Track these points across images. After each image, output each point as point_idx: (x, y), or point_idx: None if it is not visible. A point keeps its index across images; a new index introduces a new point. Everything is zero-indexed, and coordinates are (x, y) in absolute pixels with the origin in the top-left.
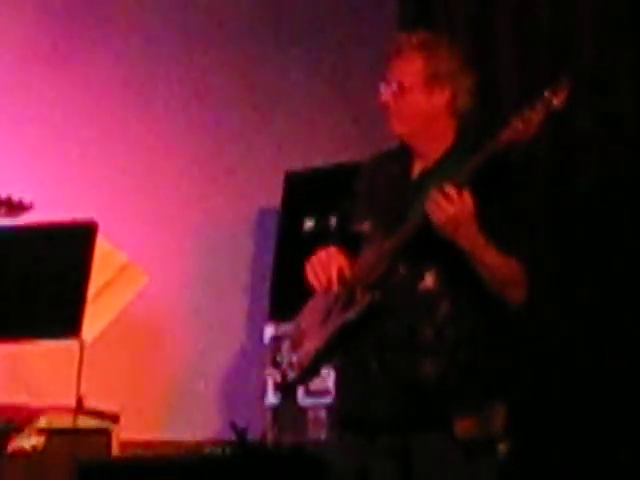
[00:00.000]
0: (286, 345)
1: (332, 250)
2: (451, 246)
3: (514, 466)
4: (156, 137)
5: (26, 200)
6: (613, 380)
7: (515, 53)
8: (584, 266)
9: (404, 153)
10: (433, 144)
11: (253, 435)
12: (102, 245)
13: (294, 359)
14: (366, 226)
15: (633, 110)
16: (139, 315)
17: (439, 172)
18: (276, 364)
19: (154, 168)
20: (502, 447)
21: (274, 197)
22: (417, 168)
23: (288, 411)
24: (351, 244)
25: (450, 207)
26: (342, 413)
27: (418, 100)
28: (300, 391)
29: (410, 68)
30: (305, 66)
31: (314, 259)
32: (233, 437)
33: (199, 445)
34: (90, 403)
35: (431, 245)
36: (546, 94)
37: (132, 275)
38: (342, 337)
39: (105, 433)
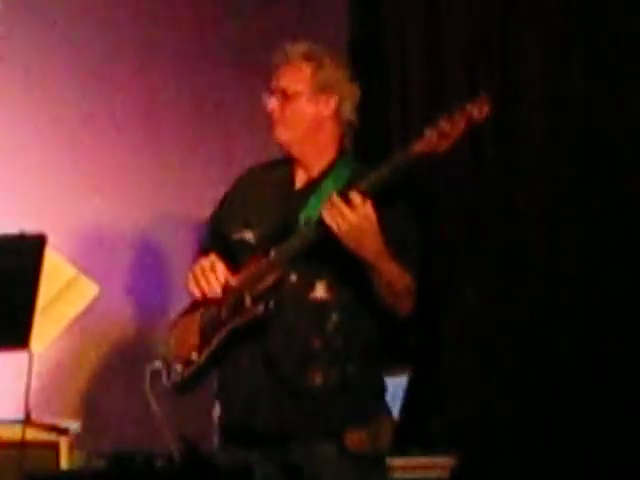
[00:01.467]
0: (164, 352)
1: (213, 258)
2: (343, 255)
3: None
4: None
5: None
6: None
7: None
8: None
9: (286, 163)
10: (317, 154)
11: (202, 448)
12: (51, 257)
13: (177, 368)
14: (247, 235)
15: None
16: (89, 326)
17: (325, 182)
18: None
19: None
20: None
21: None
22: (300, 178)
23: None
24: (227, 253)
25: (353, 215)
26: (230, 424)
27: (304, 108)
28: None
29: (297, 76)
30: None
31: (196, 268)
32: (182, 449)
33: (149, 457)
34: (38, 416)
35: (323, 254)
36: (468, 106)
37: (82, 287)
38: (230, 343)
39: (54, 446)
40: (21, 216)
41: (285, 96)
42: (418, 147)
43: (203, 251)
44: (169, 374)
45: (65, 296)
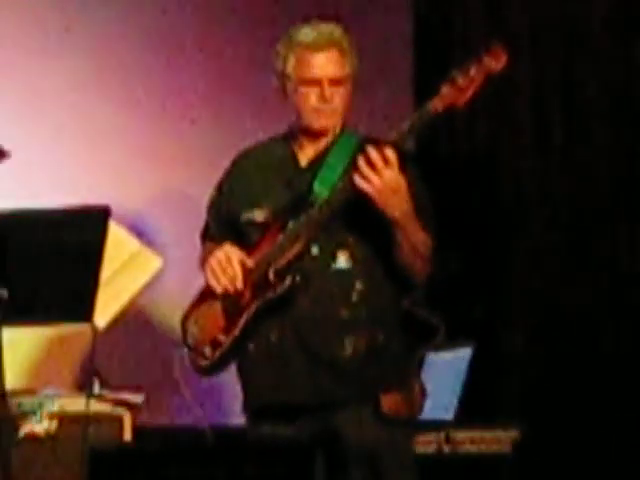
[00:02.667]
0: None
1: (228, 247)
2: (364, 224)
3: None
4: (166, 122)
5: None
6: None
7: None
8: None
9: (284, 141)
10: (333, 131)
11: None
12: (115, 231)
13: (206, 350)
14: (257, 214)
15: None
16: (153, 300)
17: (332, 154)
18: None
19: (165, 155)
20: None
21: None
22: (305, 153)
23: None
24: (235, 235)
25: (386, 172)
26: (261, 401)
27: (348, 92)
28: None
29: (344, 63)
30: None
31: (212, 261)
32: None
33: (213, 431)
34: (103, 390)
35: (343, 224)
36: (484, 58)
37: (145, 260)
38: (257, 320)
39: (117, 419)
40: (85, 189)
41: (334, 83)
42: (436, 104)
43: (211, 240)
44: (196, 358)
45: (129, 270)
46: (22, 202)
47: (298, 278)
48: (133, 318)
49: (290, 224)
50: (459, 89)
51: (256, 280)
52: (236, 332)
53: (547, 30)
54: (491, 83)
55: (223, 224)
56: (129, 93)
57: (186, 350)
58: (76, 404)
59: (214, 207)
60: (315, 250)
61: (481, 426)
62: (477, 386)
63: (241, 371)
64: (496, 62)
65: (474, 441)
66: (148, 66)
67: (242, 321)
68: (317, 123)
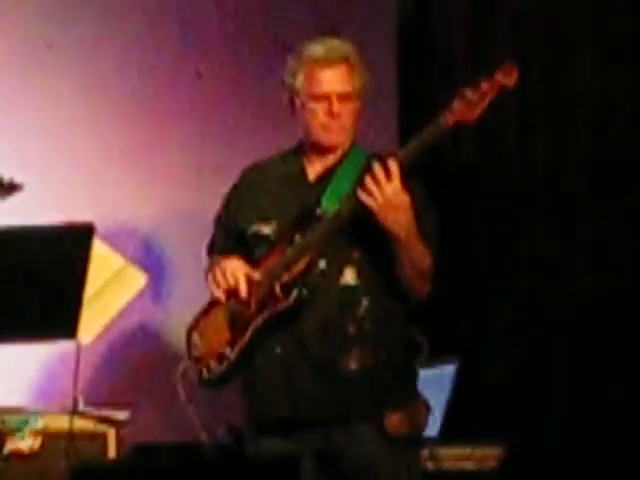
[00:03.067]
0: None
1: (233, 259)
2: (370, 240)
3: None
4: (154, 130)
5: (16, 180)
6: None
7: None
8: None
9: (293, 155)
10: (342, 147)
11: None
12: (99, 247)
13: (212, 364)
14: (264, 228)
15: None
16: (137, 316)
17: (341, 170)
18: None
19: (149, 167)
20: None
21: None
22: (314, 168)
23: None
24: (242, 249)
25: (389, 186)
26: (264, 415)
27: (357, 107)
28: None
29: (349, 77)
30: None
31: (217, 271)
32: (230, 439)
33: (198, 448)
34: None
35: (350, 240)
36: (496, 74)
37: (129, 277)
38: (263, 334)
39: (101, 436)
40: (70, 207)
41: (342, 98)
42: (446, 119)
43: (218, 252)
44: (200, 372)
45: (113, 286)
46: (6, 219)
47: (305, 292)
48: (119, 335)
49: (297, 238)
50: (470, 104)
51: (262, 294)
52: (242, 346)
53: (533, 50)
54: None
55: (230, 237)
56: (113, 109)
57: (190, 363)
58: (60, 421)
59: (221, 220)
60: (322, 265)
61: (465, 442)
62: (461, 403)
63: (245, 384)
64: (508, 78)
65: (458, 457)
66: (133, 82)
67: (248, 335)
68: (325, 139)
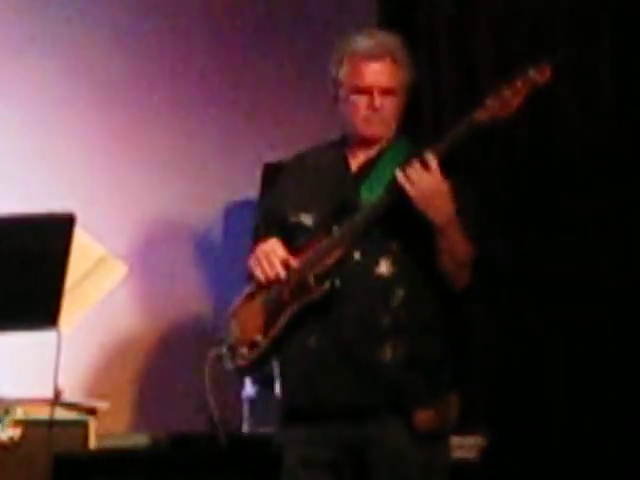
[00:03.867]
0: (227, 338)
1: (274, 242)
2: (406, 230)
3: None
4: (132, 124)
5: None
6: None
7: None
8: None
9: (337, 146)
10: (385, 139)
11: (230, 428)
12: (80, 237)
13: (243, 351)
14: (305, 218)
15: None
16: (116, 306)
17: (382, 161)
18: None
19: (128, 157)
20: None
21: (252, 188)
22: (356, 160)
23: (265, 403)
24: (283, 237)
25: (429, 175)
26: (294, 404)
27: (402, 102)
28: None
29: (395, 72)
30: (287, 58)
31: (258, 252)
32: (210, 429)
33: (176, 437)
34: (68, 396)
35: (386, 231)
36: (530, 71)
37: (110, 267)
38: (295, 324)
39: (82, 425)
40: (51, 196)
41: (385, 92)
42: (480, 115)
43: (260, 238)
44: (234, 358)
45: (94, 276)
46: None
47: (337, 283)
48: (100, 324)
49: (334, 229)
50: (504, 101)
51: (297, 283)
52: (274, 334)
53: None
54: None
55: (273, 226)
56: (97, 101)
57: (224, 349)
58: (41, 411)
59: (266, 206)
60: (357, 256)
61: None
62: None
63: (280, 374)
64: (541, 76)
65: None
66: (117, 74)
67: (280, 323)
68: (366, 131)
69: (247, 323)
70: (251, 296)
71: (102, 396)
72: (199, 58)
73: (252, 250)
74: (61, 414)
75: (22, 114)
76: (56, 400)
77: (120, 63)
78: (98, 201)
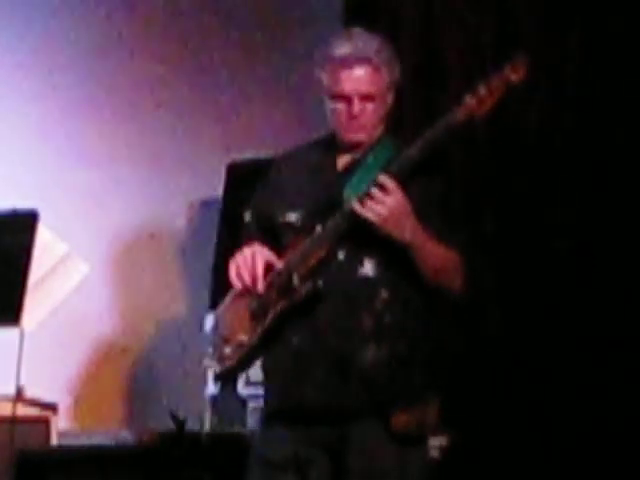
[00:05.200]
0: (214, 338)
1: (256, 247)
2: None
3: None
4: (98, 124)
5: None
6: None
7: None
8: None
9: (324, 145)
10: (371, 139)
11: (193, 426)
12: (43, 234)
13: (227, 351)
14: (292, 217)
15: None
16: (79, 305)
17: (367, 160)
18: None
19: (94, 157)
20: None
21: (217, 188)
22: (343, 159)
23: (228, 401)
24: (273, 236)
25: (388, 199)
26: (275, 404)
27: (383, 108)
28: (240, 381)
29: (376, 77)
30: (249, 56)
31: (239, 259)
32: (173, 427)
33: (139, 435)
34: (29, 393)
35: (370, 231)
36: (505, 69)
37: (73, 265)
38: (280, 324)
39: (44, 422)
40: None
41: (364, 99)
42: (458, 114)
43: (249, 238)
44: (220, 359)
45: (56, 274)
46: None
47: (321, 283)
48: (62, 322)
49: (318, 228)
50: (480, 100)
51: (282, 283)
52: (258, 334)
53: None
54: None
55: (262, 224)
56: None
57: (210, 349)
58: (3, 407)
59: (255, 206)
60: (342, 256)
61: None
62: None
63: (263, 373)
64: (516, 74)
65: None
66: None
67: (264, 324)
68: (347, 137)
69: (233, 324)
70: (238, 297)
71: (64, 393)
72: (169, 59)
73: (240, 249)
74: (23, 411)
75: None
76: (18, 397)
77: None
78: (66, 203)
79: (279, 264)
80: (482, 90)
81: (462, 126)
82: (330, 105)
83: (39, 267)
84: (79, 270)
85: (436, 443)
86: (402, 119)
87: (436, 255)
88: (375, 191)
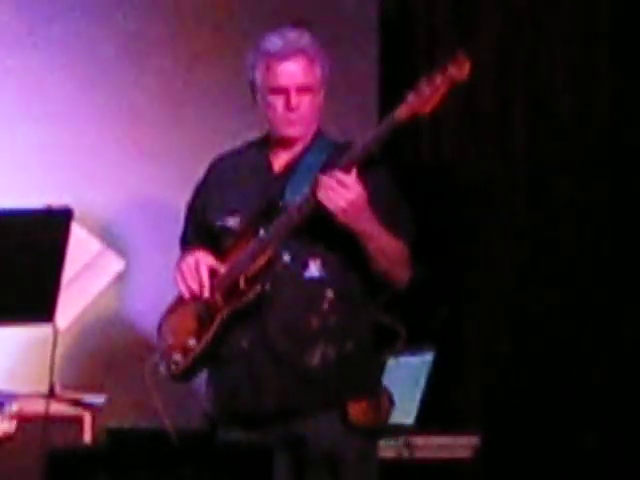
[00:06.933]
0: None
1: (199, 253)
2: (335, 232)
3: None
4: (130, 120)
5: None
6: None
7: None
8: None
9: (258, 146)
10: (308, 135)
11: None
12: (77, 232)
13: (176, 357)
14: (230, 221)
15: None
16: (115, 301)
17: (305, 160)
18: None
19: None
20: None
21: None
22: (279, 159)
23: None
24: (211, 241)
25: (348, 193)
26: (227, 407)
27: (320, 100)
28: None
29: (310, 69)
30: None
31: (183, 266)
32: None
33: (173, 434)
34: (63, 390)
35: (315, 232)
36: (448, 66)
37: (107, 261)
38: (228, 327)
39: (77, 421)
40: (47, 190)
41: (301, 91)
42: (401, 112)
43: (187, 244)
44: (168, 365)
45: (90, 271)
46: None
47: (268, 286)
48: (96, 319)
49: (261, 231)
50: (424, 98)
51: (228, 287)
52: (207, 338)
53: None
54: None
55: (200, 230)
56: (94, 94)
57: (158, 355)
58: (36, 405)
59: (191, 211)
60: (287, 258)
61: (441, 431)
62: (438, 391)
63: (211, 376)
64: (460, 72)
65: (434, 446)
66: (117, 69)
67: (213, 327)
68: (285, 131)
69: (179, 329)
70: (181, 301)
71: (98, 390)
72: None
73: (180, 257)
74: (56, 408)
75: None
76: (51, 395)
77: (114, 61)
78: (95, 198)
79: (222, 269)
80: (424, 88)
81: (405, 123)
82: (266, 101)
83: (73, 265)
84: (114, 267)
85: (467, 443)
86: None
87: (389, 246)
88: (334, 183)
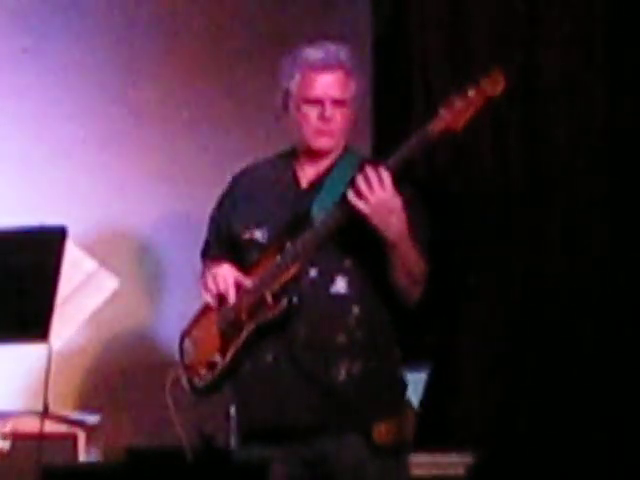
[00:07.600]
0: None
1: (225, 266)
2: (362, 248)
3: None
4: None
5: None
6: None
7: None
8: None
9: (286, 159)
10: (334, 152)
11: (220, 444)
12: (72, 250)
13: (202, 371)
14: (257, 234)
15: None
16: (108, 320)
17: (333, 175)
18: None
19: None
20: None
21: None
22: (306, 174)
23: None
24: (235, 253)
25: (382, 192)
26: (252, 422)
27: (351, 116)
28: None
29: (346, 83)
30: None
31: (209, 278)
32: (199, 444)
33: (165, 454)
34: (57, 409)
35: (341, 248)
36: (481, 82)
37: (102, 280)
38: (253, 342)
39: (72, 439)
40: (42, 210)
41: (336, 104)
42: (434, 127)
43: (211, 257)
44: (191, 380)
45: (85, 290)
46: None
47: (295, 300)
48: (90, 338)
49: (288, 245)
50: (457, 113)
51: (253, 301)
52: (232, 353)
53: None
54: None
55: (223, 242)
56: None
57: (182, 369)
58: (30, 423)
59: (215, 222)
60: (313, 273)
61: (435, 449)
62: (432, 409)
63: (236, 391)
64: (494, 87)
65: (427, 464)
66: (114, 85)
67: (238, 342)
68: (317, 143)
69: (204, 344)
70: (204, 316)
71: (93, 410)
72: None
73: (203, 269)
74: (50, 427)
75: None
76: (45, 413)
77: (119, 75)
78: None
79: (247, 282)
80: (458, 103)
81: (437, 140)
82: (300, 110)
83: (68, 283)
84: (108, 285)
85: (460, 460)
86: None
87: (413, 261)
88: (372, 182)
